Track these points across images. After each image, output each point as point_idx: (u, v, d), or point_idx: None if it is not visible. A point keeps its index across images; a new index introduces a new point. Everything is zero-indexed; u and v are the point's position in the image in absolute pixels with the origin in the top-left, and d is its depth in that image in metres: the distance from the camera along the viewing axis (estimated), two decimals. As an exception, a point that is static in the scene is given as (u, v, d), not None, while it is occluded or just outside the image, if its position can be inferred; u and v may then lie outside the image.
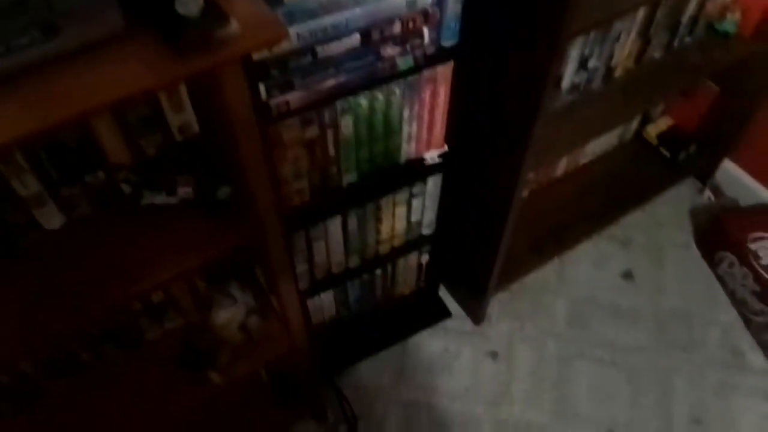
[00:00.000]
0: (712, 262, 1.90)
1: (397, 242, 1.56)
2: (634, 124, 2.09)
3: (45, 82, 0.57)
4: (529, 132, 1.16)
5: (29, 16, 0.52)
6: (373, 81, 1.10)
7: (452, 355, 1.75)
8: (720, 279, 1.88)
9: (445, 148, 1.36)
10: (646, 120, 2.09)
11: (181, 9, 0.55)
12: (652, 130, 2.08)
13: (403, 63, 1.09)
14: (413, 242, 1.59)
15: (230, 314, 1.15)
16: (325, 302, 1.62)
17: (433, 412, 1.64)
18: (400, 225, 1.51)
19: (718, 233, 1.88)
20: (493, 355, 1.75)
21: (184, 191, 0.88)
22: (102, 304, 0.84)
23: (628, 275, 1.91)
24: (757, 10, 1.69)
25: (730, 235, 1.83)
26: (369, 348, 1.75)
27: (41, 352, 0.82)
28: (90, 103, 0.55)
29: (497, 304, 1.82)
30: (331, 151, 1.22)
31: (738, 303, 1.82)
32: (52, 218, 0.87)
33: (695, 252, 1.96)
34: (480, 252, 1.60)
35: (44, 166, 0.83)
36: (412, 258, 1.68)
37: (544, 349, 1.76)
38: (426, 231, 1.58)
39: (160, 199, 0.88)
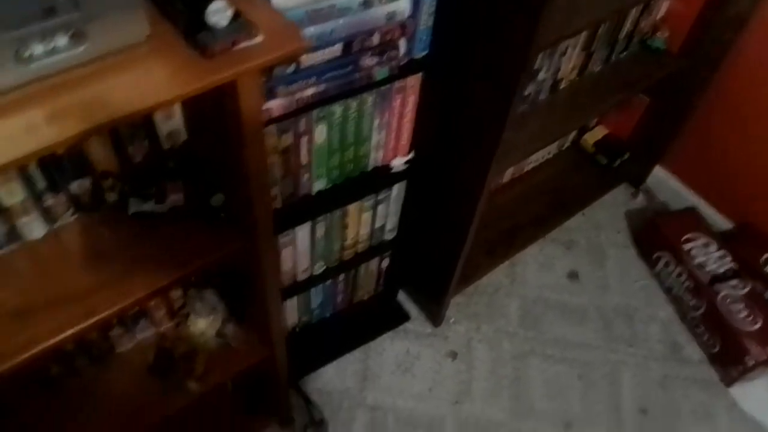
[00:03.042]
0: (650, 262, 2.04)
1: (360, 247, 1.59)
2: (572, 133, 2.21)
3: (73, 87, 0.57)
4: (498, 136, 1.22)
5: (57, 22, 0.52)
6: (350, 90, 1.13)
7: (413, 356, 1.79)
8: (657, 277, 2.02)
9: (411, 155, 1.41)
10: (583, 129, 2.22)
11: (211, 19, 0.56)
12: (589, 138, 2.21)
13: (379, 73, 1.13)
14: (376, 247, 1.63)
15: (208, 322, 1.14)
16: (288, 309, 1.63)
17: (399, 413, 1.68)
18: (365, 231, 1.54)
19: (655, 235, 2.02)
20: (453, 355, 1.80)
21: (174, 199, 0.87)
22: (83, 319, 0.83)
23: (573, 275, 2.02)
24: (682, 29, 1.85)
25: (666, 237, 1.97)
26: (331, 353, 1.77)
27: (18, 370, 0.79)
28: (123, 110, 0.56)
29: (454, 306, 1.88)
30: (304, 159, 1.24)
31: (674, 299, 1.96)
32: (34, 228, 0.85)
33: (633, 252, 2.09)
34: (441, 255, 1.66)
35: (30, 174, 0.81)
36: (374, 263, 1.72)
37: (500, 348, 1.83)
38: (388, 236, 1.62)
39: (149, 206, 0.88)
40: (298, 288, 1.55)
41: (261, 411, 1.57)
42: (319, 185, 1.33)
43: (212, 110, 0.76)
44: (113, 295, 0.84)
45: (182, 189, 0.88)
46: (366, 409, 1.68)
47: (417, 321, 1.86)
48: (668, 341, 1.89)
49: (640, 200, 2.23)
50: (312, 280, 1.56)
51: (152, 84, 0.59)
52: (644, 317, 1.94)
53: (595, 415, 1.73)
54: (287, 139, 1.17)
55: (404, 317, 1.86)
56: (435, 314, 1.84)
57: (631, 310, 1.95)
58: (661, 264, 1.99)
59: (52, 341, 0.78)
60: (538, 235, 2.01)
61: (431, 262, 1.73)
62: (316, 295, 1.67)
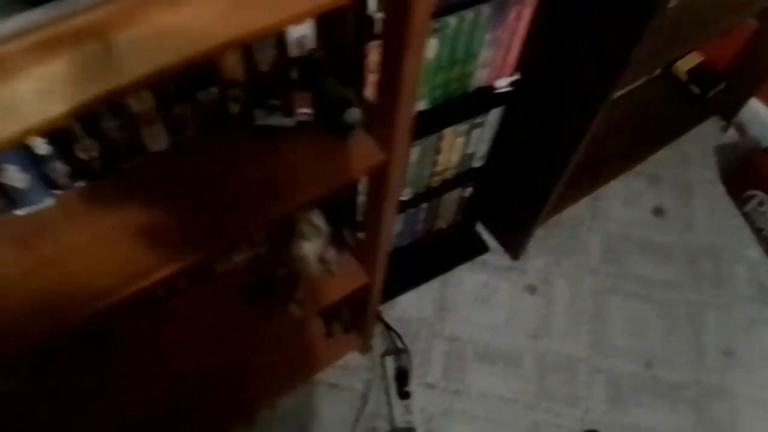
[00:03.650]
0: (740, 200, 1.93)
1: (449, 174, 1.52)
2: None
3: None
4: (627, 54, 1.11)
5: None
6: (468, 0, 1.03)
7: (492, 289, 1.74)
8: (747, 216, 1.92)
9: (517, 75, 1.31)
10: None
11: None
12: (682, 66, 2.06)
13: (508, -21, 1.02)
14: (463, 175, 1.55)
15: (312, 246, 1.09)
16: (370, 236, 1.58)
17: (477, 345, 1.65)
18: (456, 157, 1.47)
19: (747, 172, 1.90)
20: (532, 289, 1.75)
21: (303, 112, 0.80)
22: (218, 234, 0.78)
23: (658, 211, 1.93)
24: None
25: (758, 175, 1.85)
26: (409, 282, 1.73)
27: (141, 288, 0.75)
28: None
29: (533, 239, 1.81)
30: (410, 75, 1.15)
31: (764, 240, 1.87)
32: (159, 139, 0.79)
33: (721, 189, 1.98)
34: (531, 186, 1.58)
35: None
36: (457, 191, 1.65)
37: (581, 284, 1.77)
38: (476, 163, 1.54)
39: (276, 119, 0.81)
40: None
41: (342, 336, 1.56)
42: (420, 106, 1.24)
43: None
44: (241, 219, 0.78)
45: (311, 102, 0.81)
46: (444, 339, 1.66)
47: (495, 253, 1.80)
48: (756, 283, 1.81)
49: (731, 135, 2.09)
50: (400, 207, 1.50)
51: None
52: (731, 257, 1.85)
53: (676, 355, 1.68)
54: (398, 53, 1.07)
55: (483, 248, 1.80)
56: (515, 247, 1.78)
57: (717, 250, 1.87)
58: (752, 203, 1.88)
59: (175, 266, 0.74)
60: (624, 168, 1.91)
61: (517, 193, 1.65)
62: (398, 223, 1.61)
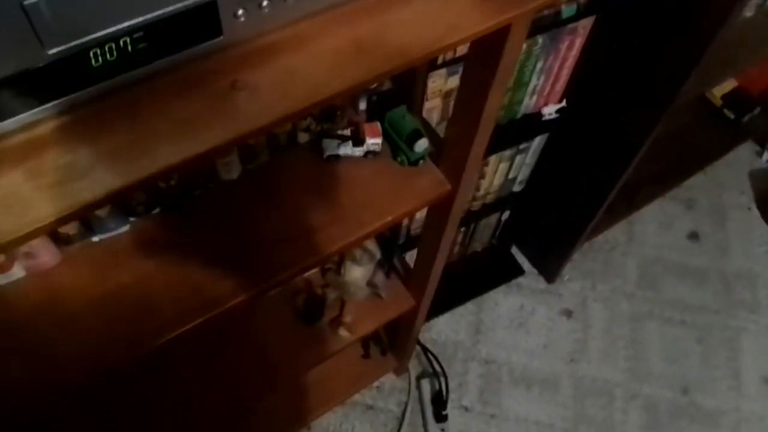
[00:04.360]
0: (776, 225, 1.92)
1: (489, 198, 1.52)
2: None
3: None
4: (681, 85, 1.12)
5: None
6: (535, 28, 1.04)
7: (527, 312, 1.74)
8: (783, 242, 1.91)
9: (563, 103, 1.31)
10: (708, 80, 2.07)
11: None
12: (717, 91, 2.06)
13: (567, 11, 1.03)
14: (503, 199, 1.56)
15: (363, 271, 1.10)
16: (408, 260, 1.58)
17: (513, 368, 1.64)
18: (498, 181, 1.47)
19: (783, 197, 1.90)
20: (568, 313, 1.75)
21: (373, 143, 0.81)
22: (288, 261, 0.79)
23: (693, 236, 1.92)
24: None
25: (796, 199, 1.85)
26: (445, 304, 1.73)
27: (215, 315, 0.76)
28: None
29: (568, 263, 1.81)
30: (462, 102, 1.16)
31: (801, 266, 1.86)
32: (232, 168, 0.80)
33: (756, 213, 1.98)
34: (571, 211, 1.58)
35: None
36: (495, 214, 1.65)
37: (617, 308, 1.77)
38: (517, 188, 1.55)
39: (344, 150, 0.82)
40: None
41: (379, 358, 1.56)
42: (468, 132, 1.25)
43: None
44: (310, 247, 0.79)
45: (380, 132, 0.82)
46: (480, 362, 1.65)
47: (530, 276, 1.80)
48: (793, 310, 1.80)
49: (766, 159, 2.09)
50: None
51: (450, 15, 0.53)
52: (767, 283, 1.84)
53: (714, 382, 1.67)
54: (454, 81, 1.09)
55: (518, 271, 1.80)
56: (551, 270, 1.77)
57: (753, 275, 1.86)
58: (789, 229, 1.88)
59: (247, 294, 0.75)
60: (659, 192, 1.91)
61: (556, 217, 1.65)
62: (436, 245, 1.62)
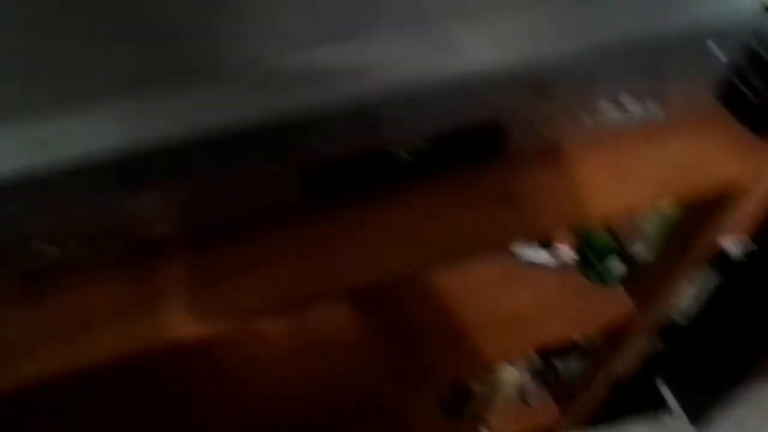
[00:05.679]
0: None
1: (647, 324, 1.46)
2: None
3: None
4: None
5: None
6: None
7: (668, 453, 1.62)
8: None
9: (750, 243, 1.26)
10: None
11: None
12: None
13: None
14: (661, 327, 1.49)
15: (519, 373, 1.10)
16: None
17: None
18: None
19: None
20: (711, 462, 1.61)
21: (568, 254, 0.83)
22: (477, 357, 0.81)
23: None
24: None
25: None
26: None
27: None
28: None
29: (719, 405, 1.68)
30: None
31: None
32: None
33: None
34: (735, 355, 1.48)
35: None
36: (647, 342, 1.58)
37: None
38: (679, 319, 1.48)
39: (540, 257, 0.84)
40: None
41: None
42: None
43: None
44: (491, 345, 0.81)
45: (576, 245, 0.84)
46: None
47: (674, 413, 1.68)
48: None
49: None
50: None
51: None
52: None
53: None
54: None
55: (660, 405, 1.69)
56: (698, 412, 1.65)
57: None
58: None
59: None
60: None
61: (716, 358, 1.55)
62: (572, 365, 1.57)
